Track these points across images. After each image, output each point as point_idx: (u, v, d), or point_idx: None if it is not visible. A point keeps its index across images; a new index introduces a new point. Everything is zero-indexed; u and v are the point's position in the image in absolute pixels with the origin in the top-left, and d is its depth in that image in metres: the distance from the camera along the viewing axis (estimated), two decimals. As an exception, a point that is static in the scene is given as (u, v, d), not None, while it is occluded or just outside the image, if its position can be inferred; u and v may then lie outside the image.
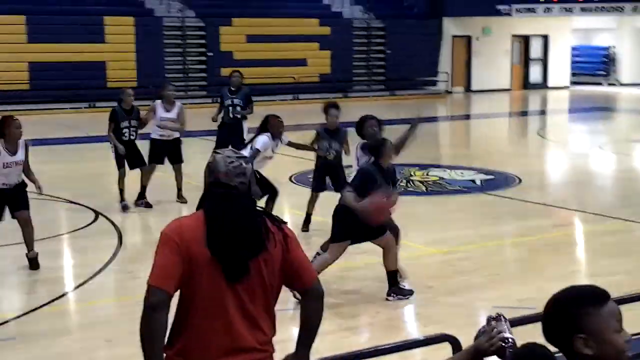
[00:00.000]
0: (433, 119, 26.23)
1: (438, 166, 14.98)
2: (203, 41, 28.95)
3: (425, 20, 32.91)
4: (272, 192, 9.87)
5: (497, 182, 13.39)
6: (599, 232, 10.41)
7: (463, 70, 34.22)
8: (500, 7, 32.08)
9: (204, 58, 28.83)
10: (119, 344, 6.34)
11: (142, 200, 11.35)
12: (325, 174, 10.00)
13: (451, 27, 33.52)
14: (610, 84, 37.29)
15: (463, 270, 8.38)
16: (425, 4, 33.50)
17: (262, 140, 9.42)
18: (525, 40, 35.61)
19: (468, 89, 34.00)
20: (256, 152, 9.32)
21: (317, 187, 10.06)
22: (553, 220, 11.10)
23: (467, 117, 27.62)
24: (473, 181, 13.30)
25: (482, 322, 2.60)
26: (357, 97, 29.79)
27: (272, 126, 9.51)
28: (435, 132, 23.37)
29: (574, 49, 37.48)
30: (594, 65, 38.64)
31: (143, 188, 11.37)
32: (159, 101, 11.45)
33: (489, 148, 18.68)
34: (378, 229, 7.26)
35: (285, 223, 3.53)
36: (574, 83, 36.97)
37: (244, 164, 3.42)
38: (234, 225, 3.33)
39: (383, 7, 32.83)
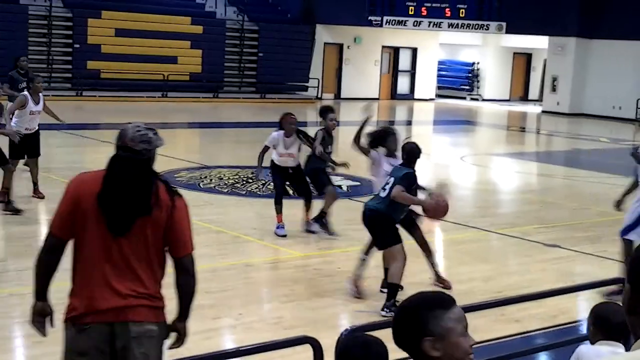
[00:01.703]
0: (302, 124, 26.36)
1: (305, 170, 14.99)
2: (70, 32, 28.10)
3: (299, 26, 33.12)
4: (306, 196, 10.05)
5: (363, 188, 13.56)
6: (457, 240, 10.72)
7: (333, 78, 34.64)
8: (372, 18, 32.69)
9: (70, 50, 27.97)
10: None
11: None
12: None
13: (324, 34, 33.87)
14: (473, 99, 38.65)
15: (326, 275, 8.42)
16: (299, 10, 33.71)
17: (271, 135, 9.80)
18: (394, 51, 36.42)
19: (338, 96, 34.43)
20: (265, 148, 9.75)
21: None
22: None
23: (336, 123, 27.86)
24: (340, 187, 13.41)
25: (344, 325, 2.58)
26: (228, 99, 29.64)
27: (283, 123, 9.80)
28: (304, 137, 23.48)
29: (440, 62, 38.62)
30: (459, 80, 39.97)
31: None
32: (26, 93, 10.92)
33: (355, 155, 18.86)
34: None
35: (180, 195, 3.84)
36: (439, 96, 38.08)
37: (150, 134, 3.81)
38: (126, 185, 3.72)
39: (258, 10, 32.81)
